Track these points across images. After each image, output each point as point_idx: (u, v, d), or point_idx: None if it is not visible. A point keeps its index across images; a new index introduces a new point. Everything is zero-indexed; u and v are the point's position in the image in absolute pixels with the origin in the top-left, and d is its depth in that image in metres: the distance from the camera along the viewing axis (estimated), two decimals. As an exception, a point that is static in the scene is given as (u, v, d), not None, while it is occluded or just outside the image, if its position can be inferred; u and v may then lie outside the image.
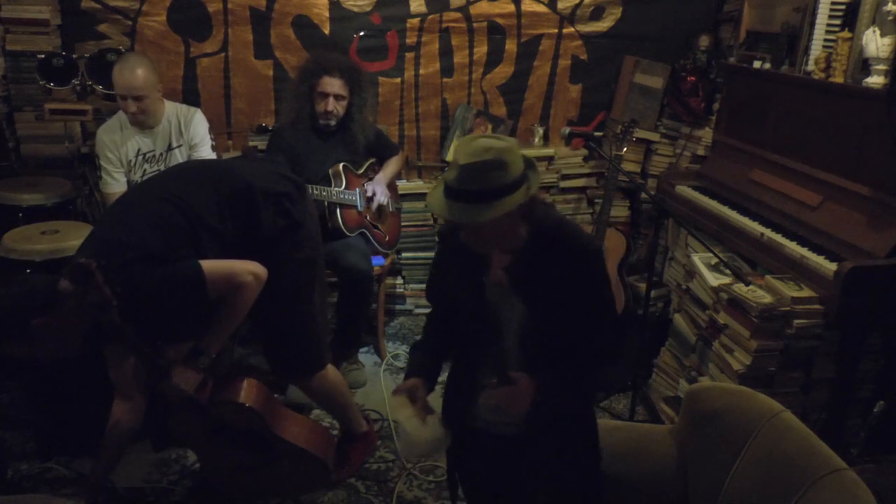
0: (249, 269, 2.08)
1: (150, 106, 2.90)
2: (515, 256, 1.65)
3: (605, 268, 1.71)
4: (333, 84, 3.15)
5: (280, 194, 2.25)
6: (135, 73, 2.81)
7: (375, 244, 3.29)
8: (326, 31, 3.71)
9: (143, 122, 2.93)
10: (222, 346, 2.16)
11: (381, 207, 3.38)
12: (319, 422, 2.92)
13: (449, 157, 3.94)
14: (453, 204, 1.52)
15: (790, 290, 2.48)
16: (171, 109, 3.03)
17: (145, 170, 3.01)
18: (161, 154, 3.02)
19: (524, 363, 1.69)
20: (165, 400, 2.08)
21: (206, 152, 3.05)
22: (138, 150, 2.99)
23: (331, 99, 3.16)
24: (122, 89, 2.83)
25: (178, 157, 3.03)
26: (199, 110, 3.11)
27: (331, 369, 2.52)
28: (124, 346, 1.96)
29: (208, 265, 2.00)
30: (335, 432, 2.86)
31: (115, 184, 2.99)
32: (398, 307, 4.00)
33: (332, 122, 3.21)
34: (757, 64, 3.31)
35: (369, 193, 3.27)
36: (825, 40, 2.96)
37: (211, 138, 3.09)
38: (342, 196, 3.18)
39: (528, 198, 1.54)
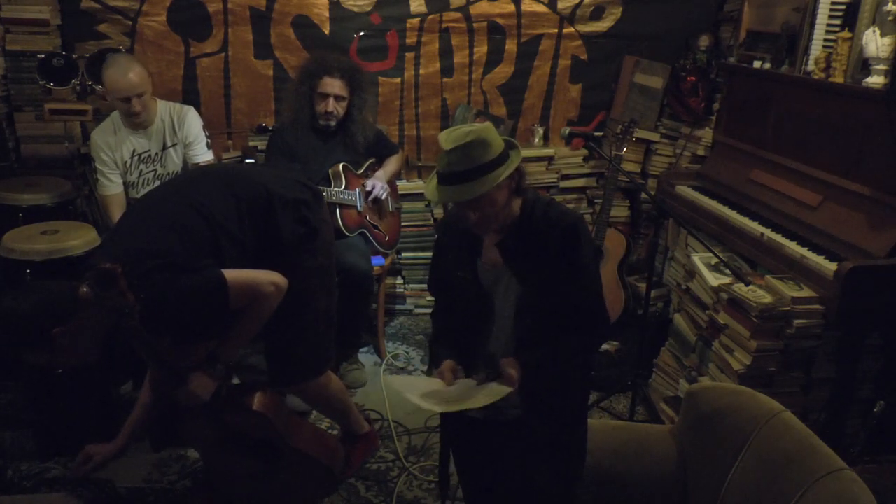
0: (271, 279, 2.08)
1: (149, 101, 2.91)
2: (508, 233, 1.77)
3: (590, 242, 1.80)
4: (334, 85, 3.15)
5: (298, 201, 2.25)
6: (133, 72, 2.81)
7: (375, 244, 3.29)
8: (326, 31, 3.71)
9: (144, 120, 2.93)
10: (237, 353, 2.16)
11: (380, 207, 3.38)
12: (320, 423, 2.93)
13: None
14: (446, 188, 1.66)
15: (790, 290, 2.48)
16: (164, 108, 3.02)
17: (141, 170, 3.01)
18: (157, 154, 3.01)
19: (520, 338, 1.78)
20: (180, 405, 2.07)
21: (201, 150, 3.05)
22: (133, 150, 2.98)
23: (331, 100, 3.16)
24: (125, 91, 2.82)
25: (174, 155, 3.03)
26: (192, 108, 3.10)
27: (332, 377, 2.50)
28: (143, 351, 1.95)
29: (231, 275, 1.99)
30: (335, 432, 2.86)
31: (112, 186, 2.98)
32: (398, 307, 4.00)
33: (333, 123, 3.21)
34: (757, 64, 3.31)
35: (369, 187, 3.27)
36: (825, 40, 2.95)
37: (206, 136, 3.08)
38: (342, 196, 3.18)
39: (514, 171, 1.68)
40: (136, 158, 2.99)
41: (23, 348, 1.80)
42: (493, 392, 1.68)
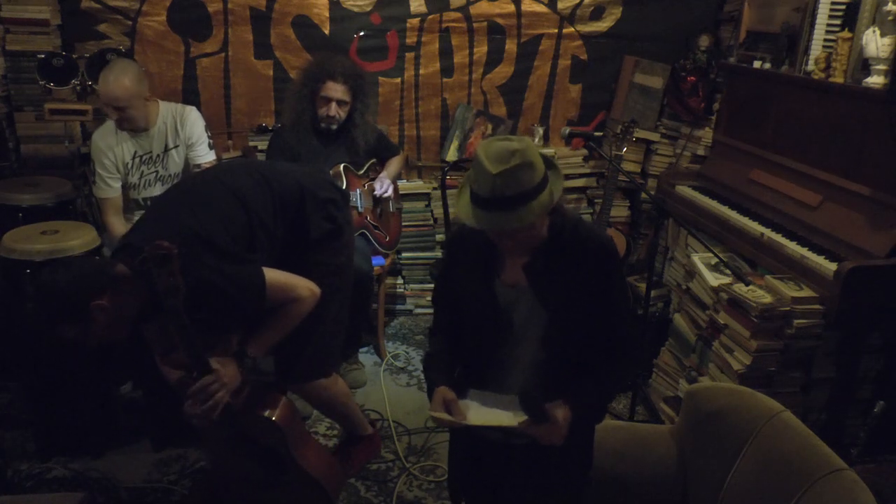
0: (308, 285, 2.13)
1: (134, 114, 2.87)
2: (534, 255, 1.63)
3: (621, 266, 1.71)
4: (336, 89, 3.14)
5: (328, 200, 2.31)
6: (117, 83, 2.78)
7: (375, 244, 3.29)
8: (326, 31, 3.71)
9: (130, 128, 2.91)
10: (266, 350, 2.16)
11: (381, 208, 3.38)
12: (320, 423, 2.93)
13: (449, 156, 3.94)
14: (490, 214, 1.50)
15: (790, 290, 2.48)
16: (166, 110, 3.01)
17: (143, 172, 3.00)
18: (158, 156, 3.00)
19: (548, 365, 1.68)
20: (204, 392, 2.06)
21: (203, 151, 3.04)
22: (134, 152, 2.97)
23: (333, 104, 3.15)
24: (103, 97, 2.82)
25: (176, 157, 3.02)
26: (194, 108, 3.09)
27: (338, 379, 2.50)
28: (178, 336, 1.95)
29: (270, 273, 2.03)
30: (335, 432, 2.86)
31: (109, 189, 2.97)
32: (398, 307, 4.00)
33: (334, 127, 3.21)
34: (757, 64, 3.31)
35: (377, 186, 3.29)
36: (825, 40, 2.96)
37: (208, 136, 3.08)
38: (342, 196, 3.18)
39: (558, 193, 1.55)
40: (137, 160, 2.98)
41: (58, 320, 1.82)
42: (510, 420, 1.60)
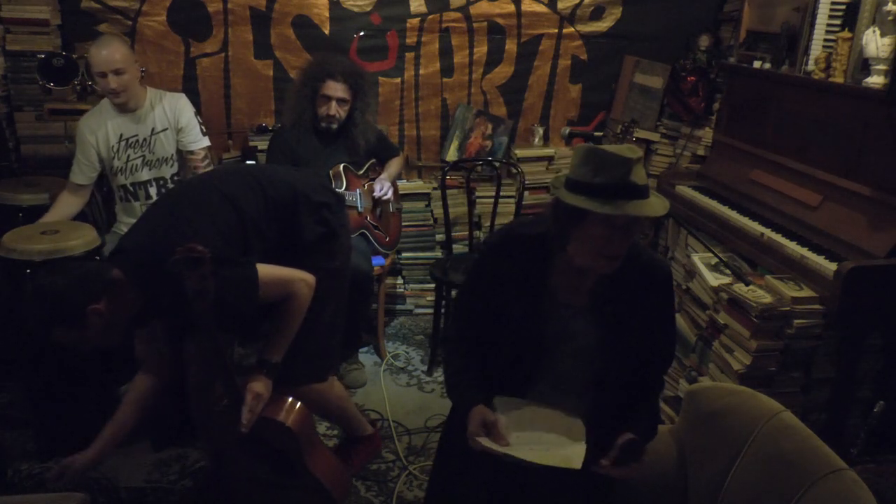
0: (302, 277, 2.13)
1: (131, 83, 2.87)
2: (601, 277, 1.59)
3: (674, 293, 1.71)
4: (336, 88, 3.14)
5: (321, 204, 2.30)
6: (112, 46, 2.81)
7: (375, 244, 3.29)
8: (326, 31, 3.71)
9: (125, 101, 2.90)
10: (284, 351, 2.18)
11: (381, 208, 3.38)
12: (319, 424, 2.92)
13: (449, 156, 3.94)
14: (627, 202, 1.44)
15: (790, 290, 2.48)
16: (154, 94, 3.01)
17: (129, 155, 2.98)
18: (145, 139, 2.99)
19: (592, 389, 1.66)
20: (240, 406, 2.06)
21: (196, 136, 3.03)
22: (121, 134, 2.96)
23: (333, 103, 3.15)
24: (101, 65, 2.81)
25: (164, 141, 3.00)
26: (182, 94, 3.10)
27: (334, 382, 2.50)
28: (204, 340, 1.95)
29: (263, 269, 2.04)
30: (335, 431, 2.86)
31: (80, 176, 2.98)
32: (398, 307, 4.00)
33: (334, 126, 3.21)
34: (757, 64, 3.31)
35: (378, 189, 3.29)
36: (825, 40, 2.96)
37: (199, 122, 3.07)
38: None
39: None
40: (123, 143, 2.97)
41: (54, 324, 1.82)
42: (563, 458, 1.51)
